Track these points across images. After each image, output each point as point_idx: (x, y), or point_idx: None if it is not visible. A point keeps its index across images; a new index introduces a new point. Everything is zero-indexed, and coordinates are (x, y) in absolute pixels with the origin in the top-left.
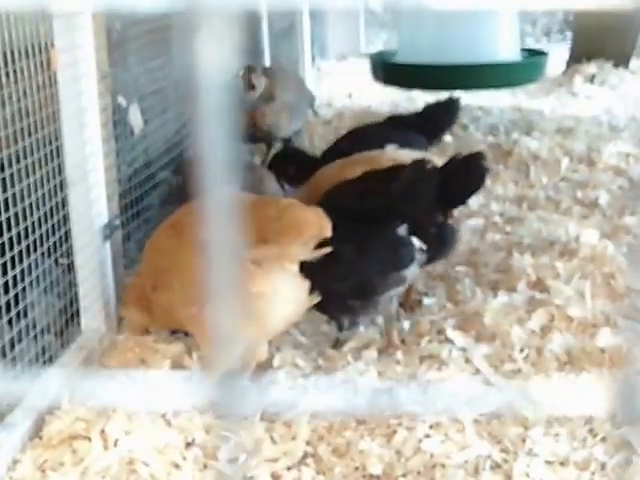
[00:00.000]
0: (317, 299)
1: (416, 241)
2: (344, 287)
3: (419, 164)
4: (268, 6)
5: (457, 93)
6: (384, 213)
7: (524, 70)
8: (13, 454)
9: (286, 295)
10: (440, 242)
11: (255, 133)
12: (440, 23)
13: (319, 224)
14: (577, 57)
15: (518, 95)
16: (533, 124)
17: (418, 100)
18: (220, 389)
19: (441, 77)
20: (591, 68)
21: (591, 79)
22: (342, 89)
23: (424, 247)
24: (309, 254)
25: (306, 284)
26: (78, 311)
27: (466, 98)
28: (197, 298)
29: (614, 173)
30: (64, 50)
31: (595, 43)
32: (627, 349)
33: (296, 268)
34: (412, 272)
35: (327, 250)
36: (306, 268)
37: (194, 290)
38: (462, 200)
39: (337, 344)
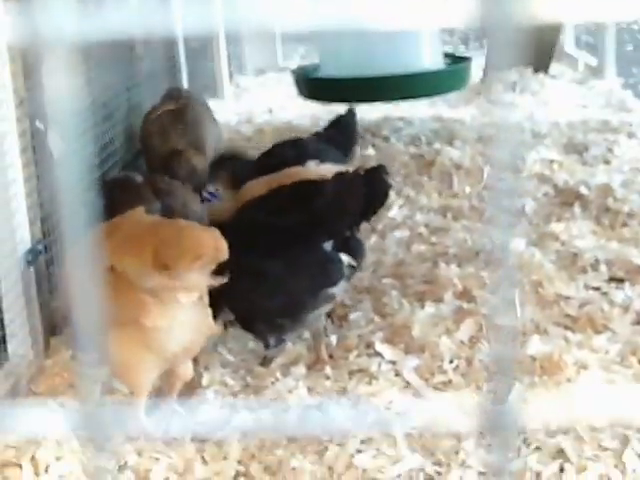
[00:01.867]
0: (219, 329)
1: (344, 257)
2: (273, 305)
3: (342, 177)
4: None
5: (383, 104)
6: (308, 228)
7: (449, 78)
8: None
9: (183, 327)
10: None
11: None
12: (360, 35)
13: (215, 246)
14: None
15: (438, 105)
16: (454, 133)
17: (335, 111)
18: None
19: (367, 90)
20: (511, 75)
21: (511, 86)
22: (262, 104)
23: (353, 263)
24: (206, 283)
25: (207, 312)
26: (4, 338)
27: (386, 109)
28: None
29: (539, 180)
30: None
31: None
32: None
33: (195, 297)
34: (340, 288)
35: (223, 280)
36: (232, 286)
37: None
38: (366, 217)
39: (265, 361)
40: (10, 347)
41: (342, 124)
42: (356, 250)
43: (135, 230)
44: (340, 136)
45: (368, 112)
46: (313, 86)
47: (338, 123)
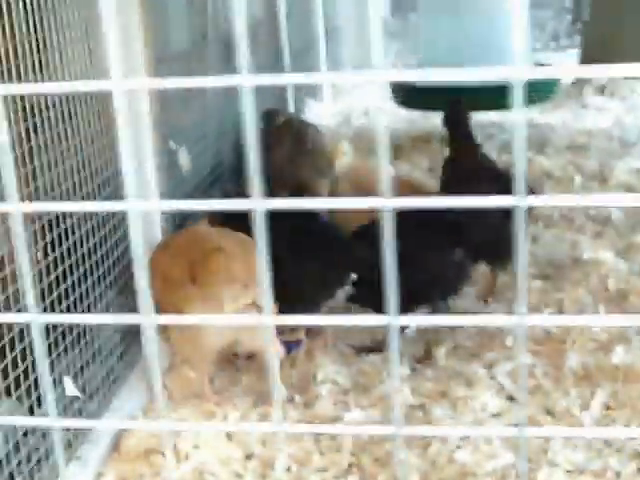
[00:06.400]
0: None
1: None
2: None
3: None
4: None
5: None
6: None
7: (540, 89)
8: (97, 468)
9: (212, 329)
10: None
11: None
12: (455, 46)
13: (234, 276)
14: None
15: (530, 109)
16: (545, 141)
17: (431, 118)
18: None
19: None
20: (601, 78)
21: (601, 90)
22: (359, 105)
23: None
24: (239, 300)
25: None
26: (138, 333)
27: (478, 114)
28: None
29: (626, 190)
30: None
31: (605, 51)
32: None
33: (233, 307)
34: None
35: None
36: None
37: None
38: None
39: (379, 347)
40: (144, 342)
41: None
42: None
43: (184, 246)
44: None
45: None
46: (408, 95)
47: None
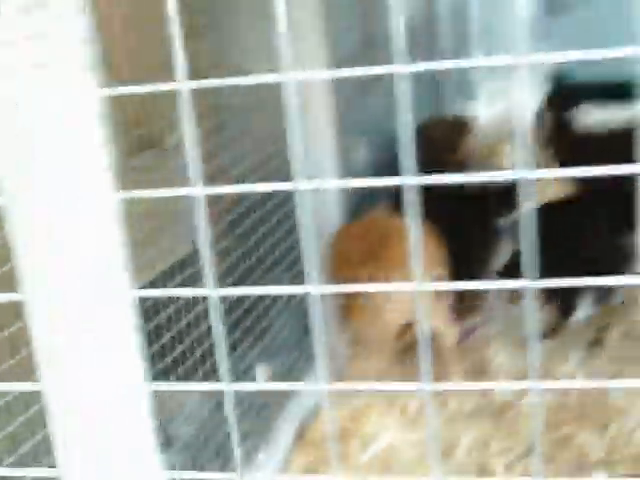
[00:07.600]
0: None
1: None
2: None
3: None
4: None
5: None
6: None
7: None
8: (285, 455)
9: (393, 307)
10: None
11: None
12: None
13: (398, 264)
14: None
15: None
16: None
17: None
18: None
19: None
20: None
21: None
22: (515, 105)
23: None
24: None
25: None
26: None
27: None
28: None
29: None
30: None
31: None
32: None
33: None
34: None
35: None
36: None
37: None
38: None
39: (552, 333)
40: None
41: None
42: None
43: (363, 228)
44: None
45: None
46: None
47: None
